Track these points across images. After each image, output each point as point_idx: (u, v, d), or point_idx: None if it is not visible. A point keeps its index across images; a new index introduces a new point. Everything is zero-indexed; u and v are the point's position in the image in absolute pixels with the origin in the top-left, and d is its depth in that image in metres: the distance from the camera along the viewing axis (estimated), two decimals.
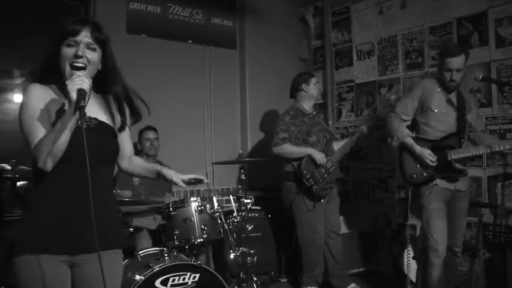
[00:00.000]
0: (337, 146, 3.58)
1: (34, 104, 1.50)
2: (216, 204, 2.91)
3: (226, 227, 2.91)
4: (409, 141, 2.95)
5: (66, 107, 1.44)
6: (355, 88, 4.57)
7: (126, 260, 2.57)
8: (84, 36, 1.51)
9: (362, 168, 4.46)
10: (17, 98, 3.40)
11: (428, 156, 2.85)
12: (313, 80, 3.63)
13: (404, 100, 3.10)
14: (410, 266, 3.20)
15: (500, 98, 3.40)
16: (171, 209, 2.82)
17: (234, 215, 2.99)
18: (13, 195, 2.69)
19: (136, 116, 1.77)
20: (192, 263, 2.51)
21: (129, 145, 1.81)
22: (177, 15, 4.23)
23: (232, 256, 2.94)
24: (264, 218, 3.95)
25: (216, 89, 4.44)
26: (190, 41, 4.32)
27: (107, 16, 3.70)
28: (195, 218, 2.81)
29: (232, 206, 3.11)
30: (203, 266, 2.54)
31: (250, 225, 3.10)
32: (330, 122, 4.72)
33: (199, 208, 2.83)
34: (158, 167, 1.81)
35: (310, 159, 3.37)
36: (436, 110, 2.89)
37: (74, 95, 1.37)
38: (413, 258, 3.22)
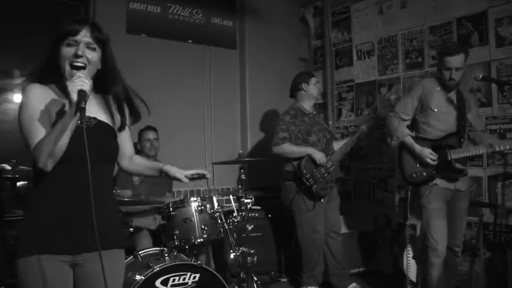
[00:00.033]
0: (337, 145, 3.58)
1: (33, 104, 1.50)
2: (216, 204, 2.91)
3: (227, 227, 2.91)
4: (409, 140, 2.94)
5: (67, 107, 1.44)
6: (355, 88, 4.57)
7: (130, 257, 2.57)
8: (84, 36, 1.51)
9: (362, 168, 4.46)
10: (17, 98, 3.40)
11: (429, 155, 2.85)
12: (313, 80, 3.63)
13: (404, 100, 3.10)
14: (410, 265, 3.20)
15: (500, 98, 3.40)
16: (171, 209, 2.81)
17: (234, 214, 2.99)
18: (13, 195, 2.69)
19: (135, 116, 1.77)
20: (192, 263, 2.51)
21: (130, 145, 1.81)
22: (177, 15, 4.23)
23: (232, 256, 2.94)
24: (264, 218, 3.95)
25: (216, 89, 4.44)
26: (190, 41, 4.32)
27: (107, 16, 3.70)
28: (195, 218, 2.81)
29: (232, 205, 3.11)
30: (203, 266, 2.54)
31: (251, 225, 3.10)
32: (330, 122, 4.72)
33: (200, 208, 2.83)
34: (160, 164, 1.80)
35: (310, 158, 3.37)
36: (435, 109, 2.89)
37: (74, 96, 1.37)
38: (413, 258, 3.22)
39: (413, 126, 3.06)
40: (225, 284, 2.58)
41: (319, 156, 3.36)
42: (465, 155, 2.79)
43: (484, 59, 3.46)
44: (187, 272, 2.47)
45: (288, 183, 3.50)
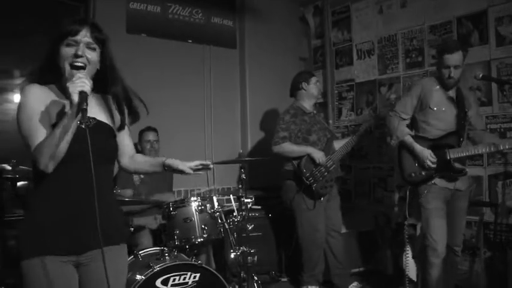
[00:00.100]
0: (338, 144, 3.58)
1: (32, 105, 1.49)
2: (216, 203, 2.91)
3: (227, 227, 2.91)
4: (409, 139, 2.93)
5: (67, 108, 1.44)
6: (355, 87, 4.57)
7: (131, 257, 2.57)
8: (84, 36, 1.51)
9: (363, 167, 4.46)
10: (17, 98, 3.40)
11: (429, 156, 2.83)
12: (313, 79, 3.63)
13: (403, 99, 3.09)
14: (410, 265, 3.19)
15: (501, 97, 3.39)
16: (171, 209, 2.81)
17: (235, 214, 2.99)
18: (13, 196, 2.69)
19: (134, 116, 1.77)
20: (193, 262, 2.51)
21: (130, 144, 1.81)
22: (177, 15, 4.23)
23: (232, 256, 2.94)
24: (264, 218, 3.94)
25: (216, 88, 4.44)
26: (190, 41, 4.32)
27: (107, 16, 3.70)
28: (196, 217, 2.81)
29: (232, 205, 3.11)
30: (204, 265, 2.54)
31: (251, 224, 3.10)
32: (331, 121, 4.72)
33: (200, 208, 2.83)
34: (163, 158, 1.78)
35: (310, 158, 3.37)
36: (435, 108, 2.88)
37: (75, 98, 1.37)
38: (413, 257, 3.22)
39: (413, 125, 3.05)
40: (226, 283, 2.58)
41: (318, 156, 3.36)
42: (464, 154, 2.77)
43: (484, 58, 3.46)
44: (188, 271, 2.47)
45: (288, 183, 3.50)
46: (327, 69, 4.82)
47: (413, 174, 2.92)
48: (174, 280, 2.42)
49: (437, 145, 2.86)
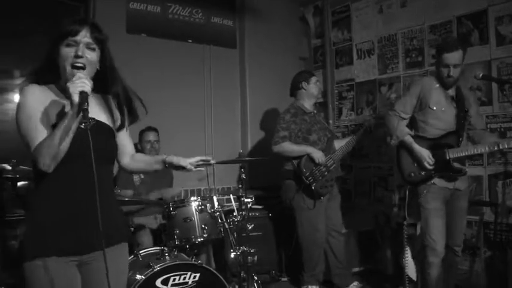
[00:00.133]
0: (338, 144, 3.58)
1: (30, 104, 1.49)
2: (216, 203, 2.91)
3: (227, 226, 2.91)
4: (408, 139, 2.92)
5: (67, 108, 1.44)
6: (355, 87, 4.57)
7: (131, 257, 2.57)
8: (84, 36, 1.51)
9: (363, 167, 4.46)
10: (17, 98, 3.40)
11: (427, 158, 2.82)
12: (313, 79, 3.63)
13: (403, 98, 3.07)
14: (410, 265, 3.19)
15: (501, 96, 3.39)
16: (171, 209, 2.82)
17: (235, 214, 2.99)
18: (14, 196, 2.69)
19: (134, 116, 1.76)
20: (193, 262, 2.52)
21: (130, 144, 1.82)
22: (177, 15, 4.23)
23: (232, 255, 2.94)
24: (264, 217, 3.94)
25: (216, 88, 4.44)
26: (190, 41, 4.32)
27: (107, 16, 3.70)
28: (196, 217, 2.81)
29: (232, 205, 3.11)
30: (204, 265, 2.54)
31: (251, 224, 3.10)
32: (331, 121, 4.72)
33: (200, 207, 2.83)
34: (163, 156, 1.78)
35: (310, 157, 3.37)
36: (434, 108, 2.86)
37: (76, 98, 1.37)
38: (412, 257, 3.22)
39: (412, 124, 3.03)
40: (226, 283, 2.58)
41: (318, 156, 3.36)
42: (464, 154, 2.76)
43: (484, 58, 3.46)
44: (188, 271, 2.47)
45: (288, 182, 3.50)
46: (327, 68, 4.82)
47: (412, 174, 2.91)
48: (174, 280, 2.42)
49: (437, 145, 2.85)
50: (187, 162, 1.74)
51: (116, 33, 3.54)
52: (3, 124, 3.27)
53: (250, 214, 3.50)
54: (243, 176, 3.06)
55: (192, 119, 4.27)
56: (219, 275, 2.56)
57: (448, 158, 2.79)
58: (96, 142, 1.45)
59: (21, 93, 1.52)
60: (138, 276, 2.35)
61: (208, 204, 2.88)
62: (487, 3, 3.44)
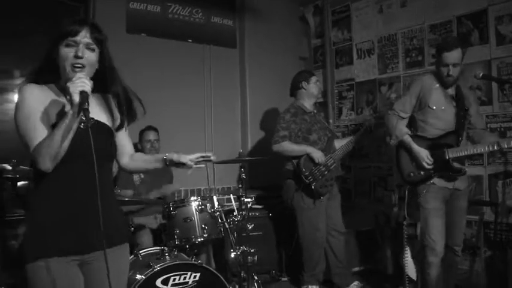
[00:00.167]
0: (338, 144, 3.58)
1: (29, 103, 1.49)
2: (216, 203, 2.91)
3: (227, 226, 2.91)
4: (407, 139, 2.91)
5: (67, 108, 1.44)
6: (355, 86, 4.57)
7: (131, 257, 2.57)
8: (84, 37, 1.51)
9: (363, 167, 4.46)
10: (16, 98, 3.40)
11: (425, 158, 2.81)
12: (313, 79, 3.63)
13: (402, 97, 3.05)
14: (410, 264, 3.19)
15: (501, 96, 3.39)
16: (171, 208, 2.82)
17: (235, 214, 2.99)
18: (14, 196, 2.69)
19: (132, 117, 1.76)
20: (193, 262, 2.51)
21: (129, 143, 1.82)
22: (177, 15, 4.23)
23: (233, 255, 2.93)
24: (264, 217, 3.94)
25: (216, 88, 4.44)
26: (190, 40, 4.32)
27: (107, 16, 3.70)
28: (196, 217, 2.81)
29: (232, 205, 3.11)
30: (204, 265, 2.54)
31: (251, 224, 3.10)
32: (331, 121, 4.72)
33: (200, 207, 2.83)
34: (163, 154, 1.78)
35: (309, 157, 3.37)
36: (434, 107, 2.85)
37: (76, 97, 1.38)
38: (412, 257, 3.21)
39: (411, 124, 3.02)
40: (226, 283, 2.58)
41: (317, 156, 3.36)
42: (463, 154, 2.75)
43: (484, 58, 3.46)
44: (188, 271, 2.47)
45: (289, 182, 3.50)
46: (327, 68, 4.82)
47: (411, 174, 2.90)
48: (174, 280, 2.42)
49: (436, 144, 2.83)
50: (187, 158, 1.74)
51: (115, 33, 3.54)
52: (3, 124, 3.27)
53: (251, 214, 3.50)
54: (243, 175, 3.06)
55: (192, 118, 4.26)
56: (219, 275, 2.56)
57: (447, 157, 2.78)
58: (96, 142, 1.45)
59: (20, 92, 1.52)
60: (138, 276, 2.35)
61: (208, 204, 2.88)
62: (487, 3, 3.44)
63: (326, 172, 3.39)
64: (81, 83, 1.39)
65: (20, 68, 3.47)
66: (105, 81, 1.63)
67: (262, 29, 4.66)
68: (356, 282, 3.55)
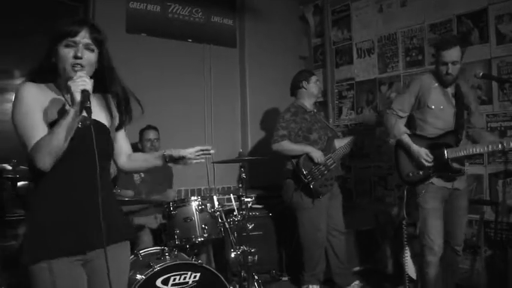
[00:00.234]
0: (339, 143, 3.57)
1: (27, 102, 1.48)
2: (216, 203, 2.91)
3: (227, 226, 2.90)
4: (406, 138, 2.88)
5: (67, 107, 1.43)
6: (355, 86, 4.57)
7: (131, 257, 2.57)
8: (83, 37, 1.51)
9: (363, 166, 4.46)
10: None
11: (425, 156, 2.79)
12: (313, 78, 3.62)
13: (401, 96, 3.02)
14: (409, 264, 3.19)
15: (501, 95, 3.39)
16: (171, 208, 2.81)
17: (235, 213, 2.98)
18: (14, 196, 2.69)
19: (129, 117, 1.75)
20: (193, 262, 2.51)
21: (126, 143, 1.81)
22: (177, 14, 4.23)
23: (233, 255, 2.93)
24: (265, 217, 3.94)
25: (216, 87, 4.43)
26: (190, 40, 4.32)
27: (107, 16, 3.70)
28: (196, 217, 2.81)
29: (232, 204, 3.11)
30: (204, 265, 2.54)
31: (251, 223, 3.10)
32: (331, 120, 4.72)
33: (200, 207, 2.83)
34: (161, 151, 1.78)
35: (308, 157, 3.37)
36: (433, 107, 2.82)
37: (78, 96, 1.38)
38: (412, 257, 3.21)
39: (410, 123, 2.99)
40: (226, 283, 2.58)
41: (317, 155, 3.35)
42: (462, 154, 2.72)
43: (484, 57, 3.45)
44: (188, 271, 2.47)
45: (289, 181, 3.49)
46: (327, 68, 4.82)
47: (410, 174, 2.88)
48: (174, 280, 2.42)
49: (435, 144, 2.81)
50: (187, 152, 1.74)
51: (115, 33, 3.54)
52: (3, 124, 3.27)
53: (251, 213, 3.50)
54: (243, 175, 3.05)
55: (192, 118, 4.26)
56: (219, 275, 2.56)
57: (446, 158, 2.75)
58: (95, 141, 1.45)
59: (17, 91, 1.51)
60: (139, 276, 2.35)
61: (208, 204, 2.88)
62: (487, 2, 3.44)
63: (326, 172, 3.39)
64: (82, 82, 1.40)
65: (20, 68, 3.47)
66: (104, 81, 1.63)
67: (262, 28, 4.65)
68: (356, 282, 3.55)
